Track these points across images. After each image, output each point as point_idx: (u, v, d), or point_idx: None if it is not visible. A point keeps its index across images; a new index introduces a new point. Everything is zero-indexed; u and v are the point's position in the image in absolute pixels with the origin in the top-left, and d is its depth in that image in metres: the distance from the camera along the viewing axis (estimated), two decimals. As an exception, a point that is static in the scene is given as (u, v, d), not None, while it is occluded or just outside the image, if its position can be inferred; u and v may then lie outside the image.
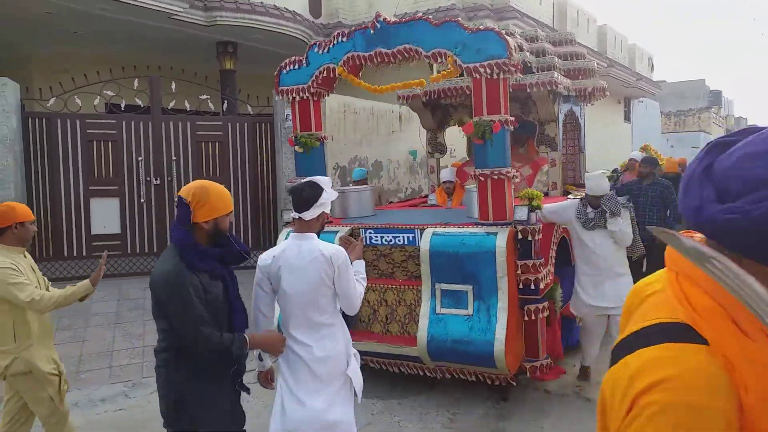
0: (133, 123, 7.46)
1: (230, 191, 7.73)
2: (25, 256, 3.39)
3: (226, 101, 8.13)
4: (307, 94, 5.09)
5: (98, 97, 7.23)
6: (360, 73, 5.17)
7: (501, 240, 4.24)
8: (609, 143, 16.37)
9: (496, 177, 4.41)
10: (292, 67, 5.11)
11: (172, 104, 7.51)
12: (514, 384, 4.54)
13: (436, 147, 7.28)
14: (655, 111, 24.59)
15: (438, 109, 7.12)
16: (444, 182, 6.50)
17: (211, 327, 2.53)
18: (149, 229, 7.59)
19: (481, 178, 4.45)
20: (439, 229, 4.49)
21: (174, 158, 7.63)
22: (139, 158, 7.48)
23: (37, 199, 7.12)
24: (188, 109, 7.65)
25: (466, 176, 6.82)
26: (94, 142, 7.36)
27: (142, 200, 7.51)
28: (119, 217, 7.49)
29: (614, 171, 9.95)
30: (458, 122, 7.03)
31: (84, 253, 7.36)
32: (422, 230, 4.55)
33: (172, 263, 2.51)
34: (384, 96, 7.04)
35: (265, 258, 2.88)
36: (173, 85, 7.42)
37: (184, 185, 7.48)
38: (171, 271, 2.48)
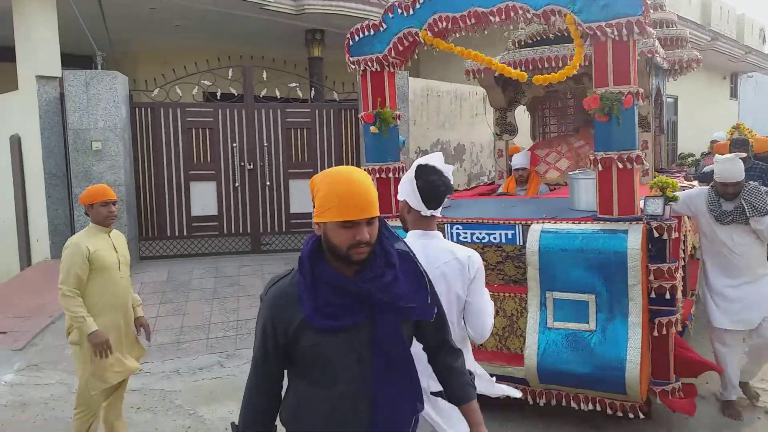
0: (228, 111, 7.91)
1: (317, 176, 8.15)
2: (108, 236, 3.68)
3: (313, 88, 8.41)
4: (382, 64, 4.33)
5: (196, 87, 7.71)
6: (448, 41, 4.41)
7: (634, 240, 3.49)
8: (710, 123, 15.43)
9: (623, 163, 3.65)
10: (365, 33, 4.33)
11: (263, 92, 7.88)
12: (643, 416, 3.67)
13: (506, 128, 6.56)
14: (765, 87, 22.77)
15: (509, 85, 6.43)
16: (516, 169, 5.85)
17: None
18: (243, 211, 8.05)
19: (602, 163, 3.71)
20: (549, 226, 3.77)
21: (266, 144, 8.02)
22: (234, 144, 7.92)
23: (143, 183, 7.73)
24: (278, 97, 7.99)
25: (537, 160, 6.35)
26: (193, 130, 7.87)
27: (236, 184, 7.97)
28: (216, 200, 7.99)
29: (704, 154, 8.99)
30: (528, 101, 6.51)
31: (185, 233, 7.93)
32: (525, 226, 3.86)
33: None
34: (468, 79, 6.88)
35: None
36: (264, 74, 7.78)
37: (275, 169, 8.01)
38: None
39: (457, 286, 2.26)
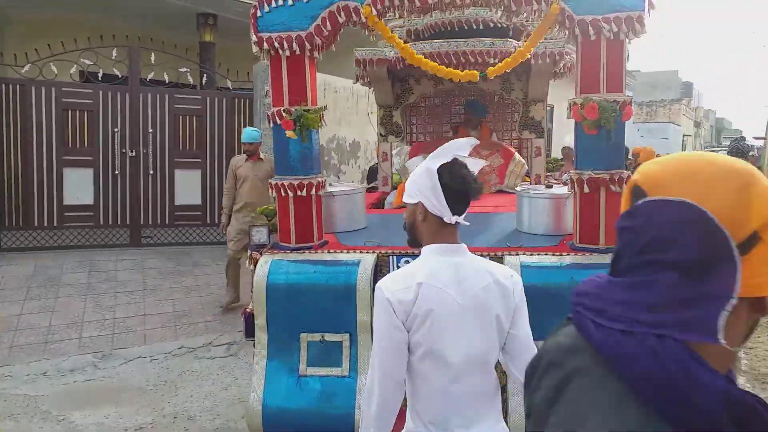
0: (110, 93, 7.36)
1: (206, 168, 7.83)
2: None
3: (205, 75, 8.05)
4: (303, 46, 3.22)
5: (75, 65, 7.11)
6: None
7: None
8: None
9: (614, 185, 3.12)
10: (279, 3, 3.24)
11: (150, 76, 7.42)
12: None
13: (391, 128, 5.66)
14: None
15: (398, 80, 5.59)
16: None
17: None
18: (122, 201, 7.54)
19: (588, 184, 3.14)
20: (528, 259, 3.16)
21: (150, 131, 7.56)
22: (115, 129, 7.40)
23: (8, 167, 7.01)
24: (167, 82, 7.56)
25: None
26: (69, 112, 7.25)
27: (116, 172, 7.45)
28: (92, 188, 7.41)
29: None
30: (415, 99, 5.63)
31: (55, 223, 7.30)
32: (490, 257, 3.00)
33: None
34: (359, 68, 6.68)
35: (399, 288, 1.71)
36: (152, 56, 7.33)
37: (160, 158, 7.59)
38: None
39: (501, 317, 1.77)
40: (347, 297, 3.07)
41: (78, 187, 7.32)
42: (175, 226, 7.78)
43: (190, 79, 7.71)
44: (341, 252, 3.35)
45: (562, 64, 5.24)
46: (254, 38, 3.28)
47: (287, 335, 3.14)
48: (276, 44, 3.25)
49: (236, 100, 8.01)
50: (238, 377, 4.92)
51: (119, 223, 7.56)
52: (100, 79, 7.26)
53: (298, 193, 3.32)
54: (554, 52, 4.96)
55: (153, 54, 7.34)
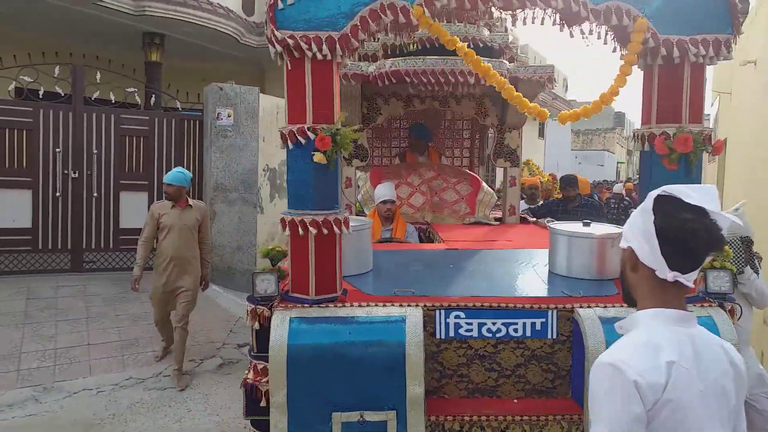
0: (51, 112, 7.04)
1: (153, 190, 7.60)
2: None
3: (153, 95, 7.84)
4: (333, 49, 2.65)
5: (14, 82, 6.78)
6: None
7: (726, 330, 2.61)
8: (524, 158, 17.14)
9: None
10: None
11: (96, 95, 7.16)
12: None
13: (356, 151, 5.19)
14: (567, 129, 25.98)
15: (365, 99, 5.20)
16: (384, 202, 4.68)
17: None
18: (63, 224, 7.18)
19: None
20: (605, 311, 2.70)
21: (95, 151, 7.26)
22: (57, 149, 7.07)
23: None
24: (113, 101, 7.31)
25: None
26: (7, 130, 6.88)
27: (57, 194, 7.10)
28: (31, 211, 7.03)
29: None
30: (388, 118, 5.27)
31: (-11, 248, 6.87)
32: (562, 311, 2.77)
33: None
34: None
35: (647, 367, 1.30)
36: (98, 75, 7.09)
37: (105, 179, 7.27)
38: None
39: (740, 403, 1.41)
40: (394, 364, 2.49)
41: (14, 209, 6.93)
42: (120, 250, 7.46)
43: (138, 99, 7.49)
44: (375, 305, 2.70)
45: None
46: (271, 35, 2.67)
47: (315, 416, 2.49)
48: (301, 45, 2.63)
49: (185, 121, 7.82)
50: (192, 408, 4.72)
51: (59, 247, 7.19)
52: (41, 97, 6.94)
53: (322, 231, 2.68)
54: (543, 76, 4.78)
55: (98, 72, 7.10)
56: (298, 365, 2.49)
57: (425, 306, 2.71)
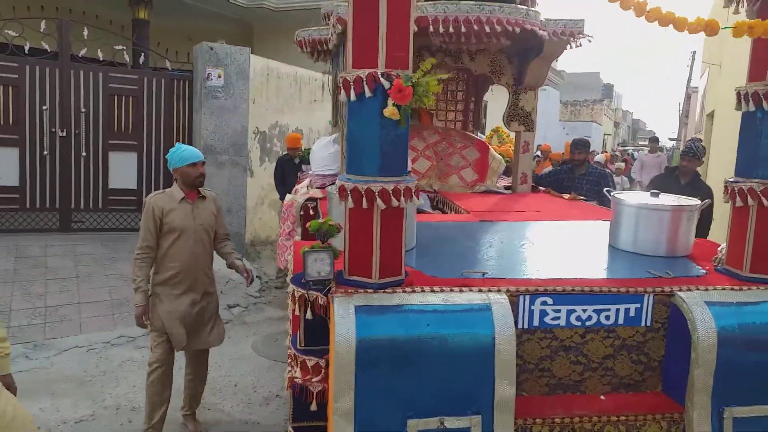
0: (38, 68, 6.91)
1: (143, 151, 7.53)
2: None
3: (142, 54, 7.70)
4: None
5: (-2, 36, 6.63)
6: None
7: None
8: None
9: None
10: None
11: (83, 52, 7.02)
12: None
13: None
14: (555, 100, 25.97)
15: None
16: None
17: None
18: (51, 183, 7.11)
19: (762, 195, 2.49)
20: (717, 294, 2.43)
21: (83, 110, 7.16)
22: (44, 107, 6.95)
23: None
24: (101, 59, 7.18)
25: None
26: (-8, 86, 6.75)
27: (45, 152, 7.01)
28: (18, 169, 6.95)
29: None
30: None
31: (-25, 205, 6.81)
32: (661, 295, 2.45)
33: None
34: (307, 62, 6.44)
35: None
36: (85, 32, 6.94)
37: (93, 139, 7.18)
38: None
39: None
40: (480, 360, 2.15)
41: (1, 167, 6.84)
42: (109, 210, 7.43)
43: (126, 58, 7.36)
44: (451, 291, 2.30)
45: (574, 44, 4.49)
46: None
47: (388, 423, 2.13)
48: None
49: (175, 81, 7.71)
50: (182, 366, 4.77)
51: (47, 206, 7.13)
52: (27, 52, 6.80)
53: (392, 202, 2.22)
54: (573, 30, 4.34)
55: (86, 29, 6.95)
56: (369, 364, 2.09)
57: (508, 291, 2.34)
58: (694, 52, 20.92)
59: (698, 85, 14.15)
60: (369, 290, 2.26)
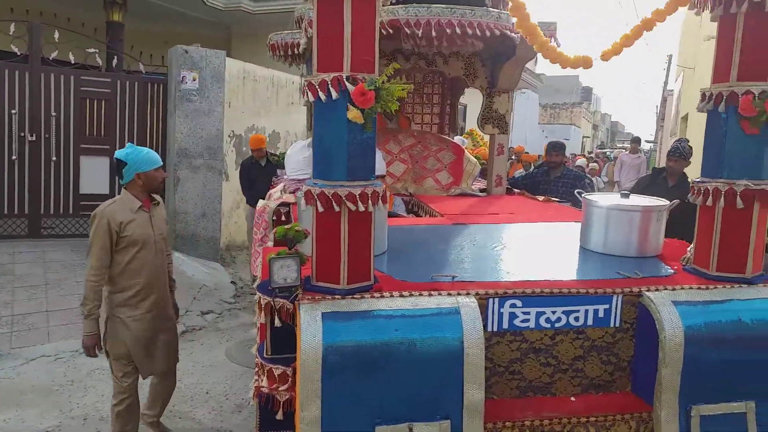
0: (7, 71, 6.77)
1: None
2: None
3: (115, 57, 7.60)
4: None
5: (-35, 38, 6.50)
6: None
7: None
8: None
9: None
10: None
11: (54, 55, 6.90)
12: None
13: None
14: (535, 103, 26.20)
15: None
16: (379, 176, 4.25)
17: None
18: (20, 189, 6.98)
19: (742, 197, 2.48)
20: (684, 294, 2.44)
21: (53, 114, 7.03)
22: (12, 111, 6.82)
23: None
24: (73, 62, 7.07)
25: None
26: (-41, 89, 6.61)
27: (13, 157, 6.87)
28: (-14, 174, 6.82)
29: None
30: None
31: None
32: (628, 296, 2.45)
33: None
34: (284, 66, 6.46)
35: None
36: (56, 34, 6.83)
37: (64, 143, 7.06)
38: None
39: None
40: (449, 365, 2.13)
41: (-32, 172, 6.70)
42: (80, 216, 7.30)
43: (99, 61, 7.25)
44: (420, 295, 2.28)
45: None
46: None
47: (356, 430, 2.10)
48: None
49: (149, 84, 7.61)
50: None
51: (16, 212, 6.99)
52: (-5, 55, 6.67)
53: (359, 207, 2.18)
54: (544, 33, 4.26)
55: (57, 31, 6.83)
56: (336, 371, 2.05)
57: (477, 294, 2.32)
58: (671, 56, 21.17)
59: (674, 88, 14.33)
60: (337, 296, 2.22)
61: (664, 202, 3.02)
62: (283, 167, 5.90)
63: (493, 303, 2.33)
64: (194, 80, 7.43)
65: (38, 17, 6.98)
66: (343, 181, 2.19)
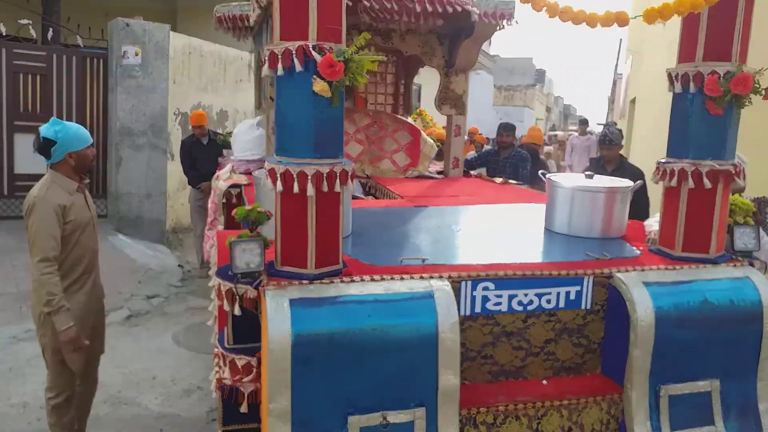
0: (-70, 43, 6.35)
1: (53, 131, 7.05)
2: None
3: (51, 29, 7.21)
4: None
5: None
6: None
7: (765, 285, 2.51)
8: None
9: (733, 178, 2.56)
10: None
11: (-17, 26, 6.51)
12: None
13: None
14: (489, 84, 26.36)
15: None
16: None
17: None
18: (-52, 168, 6.60)
19: (709, 177, 2.48)
20: (653, 275, 2.46)
21: (-16, 89, 6.65)
22: (-62, 85, 6.41)
23: None
24: (3, 34, 6.67)
25: None
26: None
27: (-60, 134, 6.48)
28: None
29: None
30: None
31: None
32: (600, 277, 2.45)
33: None
34: (232, 41, 6.23)
35: None
36: (-15, 4, 6.43)
37: (-6, 120, 6.70)
38: None
39: None
40: (423, 351, 2.07)
41: None
42: (15, 197, 6.95)
43: (33, 33, 6.86)
44: (392, 279, 2.19)
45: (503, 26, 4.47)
46: None
47: (327, 422, 2.02)
48: None
49: (88, 59, 7.26)
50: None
51: (-57, 193, 6.62)
52: None
53: (324, 186, 2.06)
54: (503, 12, 4.34)
55: (-14, 1, 6.44)
56: (306, 360, 1.96)
57: (450, 277, 2.25)
58: (621, 40, 21.58)
59: (623, 72, 14.63)
60: (304, 281, 2.09)
61: (627, 182, 3.01)
62: (228, 147, 5.73)
63: (466, 286, 2.28)
64: (137, 55, 7.12)
65: (-35, -15, 6.56)
66: (310, 158, 2.05)
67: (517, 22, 4.48)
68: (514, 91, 35.23)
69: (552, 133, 28.85)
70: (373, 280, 2.17)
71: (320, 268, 2.13)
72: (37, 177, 7.05)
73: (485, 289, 2.30)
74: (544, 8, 2.40)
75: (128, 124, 7.19)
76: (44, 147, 2.97)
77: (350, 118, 4.90)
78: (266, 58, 2.04)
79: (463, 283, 2.27)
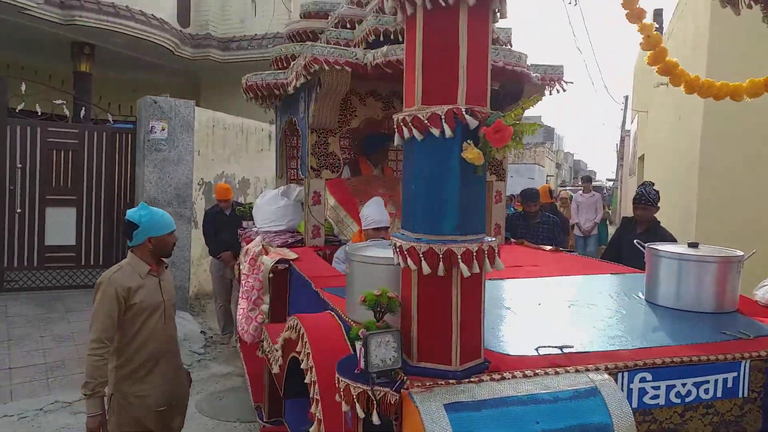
0: (-29, 124, 6.73)
1: (82, 204, 7.37)
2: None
3: (83, 107, 7.60)
4: None
5: (-70, 91, 6.45)
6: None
7: None
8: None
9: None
10: None
11: (21, 106, 6.89)
12: None
13: (326, 160, 4.26)
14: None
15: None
16: (377, 229, 3.68)
17: None
18: (-16, 241, 6.85)
19: None
20: None
21: (19, 165, 6.97)
22: (-23, 163, 6.75)
23: None
24: (39, 113, 7.05)
25: (355, 208, 4.28)
26: None
27: (-23, 209, 6.77)
28: (-53, 227, 6.68)
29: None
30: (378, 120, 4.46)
31: None
32: (752, 359, 2.21)
33: None
34: (253, 113, 6.50)
35: None
36: (23, 86, 6.83)
37: (29, 195, 6.99)
38: None
39: None
40: None
41: (-71, 226, 6.55)
42: (45, 268, 7.17)
43: (67, 112, 7.25)
44: (546, 373, 1.92)
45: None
46: None
47: None
48: None
49: (117, 134, 7.62)
50: (123, 432, 4.59)
51: (-21, 265, 6.84)
52: (-40, 108, 6.62)
53: (475, 267, 1.80)
54: (552, 76, 4.22)
55: (23, 83, 6.84)
56: None
57: (606, 368, 1.98)
58: (627, 97, 22.00)
59: (630, 128, 14.88)
60: (451, 381, 1.80)
61: (738, 252, 2.79)
62: (249, 218, 5.81)
63: (622, 378, 2.01)
64: (163, 130, 7.46)
65: (5, 69, 6.99)
66: (456, 235, 1.79)
67: (565, 90, 4.32)
68: (524, 149, 35.66)
69: (561, 189, 29.03)
70: (525, 376, 1.89)
71: (465, 363, 1.85)
72: (66, 249, 7.30)
73: (642, 380, 2.04)
74: (683, 84, 2.37)
75: (155, 194, 7.46)
76: (127, 229, 3.02)
77: (385, 185, 4.62)
78: (401, 124, 1.83)
79: (620, 374, 2.01)
